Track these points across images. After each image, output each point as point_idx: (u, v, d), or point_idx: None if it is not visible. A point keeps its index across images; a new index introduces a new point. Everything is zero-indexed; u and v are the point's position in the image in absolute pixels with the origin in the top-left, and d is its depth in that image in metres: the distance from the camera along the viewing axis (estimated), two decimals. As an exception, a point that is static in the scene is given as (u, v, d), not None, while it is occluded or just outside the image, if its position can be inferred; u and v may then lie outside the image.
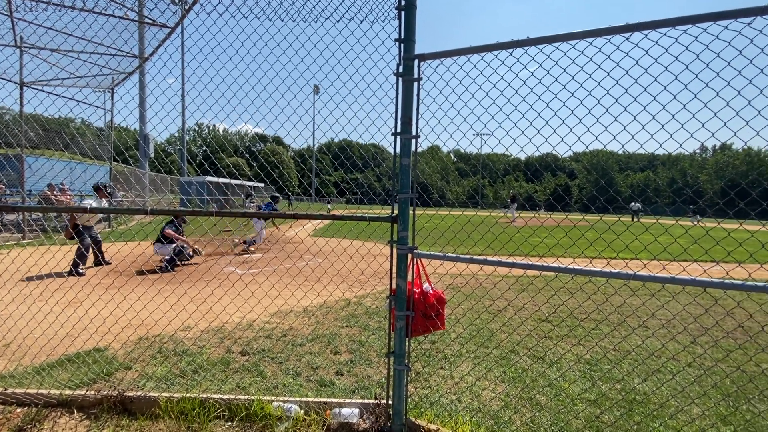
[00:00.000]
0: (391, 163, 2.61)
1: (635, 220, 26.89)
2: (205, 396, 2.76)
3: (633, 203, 32.26)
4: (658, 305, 5.22)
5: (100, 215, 7.38)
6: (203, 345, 3.89)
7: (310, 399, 2.79)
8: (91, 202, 7.00)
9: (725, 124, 1.90)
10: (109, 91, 10.43)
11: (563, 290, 6.03)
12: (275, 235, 13.45)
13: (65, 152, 16.34)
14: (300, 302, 5.05)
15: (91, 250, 7.02)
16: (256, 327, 4.43)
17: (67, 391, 2.80)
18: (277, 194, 11.41)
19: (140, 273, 6.92)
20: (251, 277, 6.70)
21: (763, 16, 1.83)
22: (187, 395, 2.75)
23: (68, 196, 12.25)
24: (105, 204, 7.13)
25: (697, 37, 1.89)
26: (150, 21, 5.92)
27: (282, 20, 2.80)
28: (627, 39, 2.01)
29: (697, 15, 1.86)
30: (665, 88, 1.97)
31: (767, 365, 3.65)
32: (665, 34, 1.95)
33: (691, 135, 1.96)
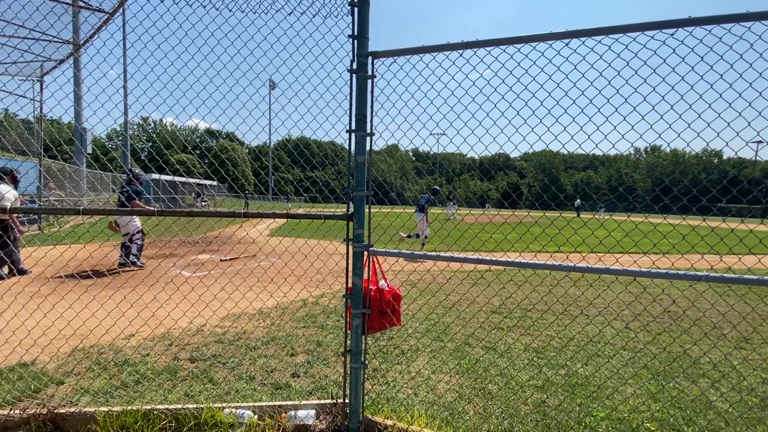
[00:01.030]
0: (347, 161, 2.59)
1: (578, 215, 28.95)
2: (149, 408, 2.58)
3: (576, 200, 34.50)
4: (595, 294, 5.63)
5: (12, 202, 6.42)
6: (146, 353, 3.65)
7: (264, 403, 2.71)
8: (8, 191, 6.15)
9: (651, 126, 2.08)
10: (36, 80, 9.43)
11: (511, 283, 6.33)
12: (224, 235, 12.92)
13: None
14: (252, 304, 4.88)
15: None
16: (205, 332, 4.23)
17: (-15, 413, 2.51)
18: (437, 187, 10.96)
19: (71, 278, 6.35)
20: (198, 279, 6.38)
21: (684, 28, 2.03)
22: (129, 408, 2.57)
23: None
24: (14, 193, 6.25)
25: (627, 46, 2.05)
26: (84, 4, 5.43)
27: (230, 10, 2.68)
28: (566, 45, 2.13)
29: (626, 25, 2.01)
30: (600, 92, 2.11)
31: (689, 346, 4.05)
32: (600, 42, 2.09)
33: (623, 136, 2.12)
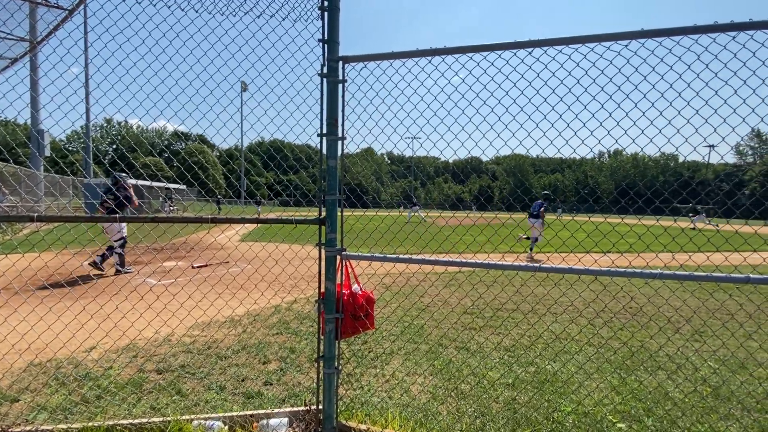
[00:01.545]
0: (319, 165, 2.58)
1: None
2: (111, 423, 2.47)
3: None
4: (560, 293, 5.85)
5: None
6: (109, 366, 3.48)
7: (234, 413, 2.64)
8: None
9: (609, 132, 2.20)
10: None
11: (481, 283, 6.47)
12: (191, 241, 12.52)
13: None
14: (222, 312, 4.75)
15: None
16: (173, 342, 4.07)
17: (-76, 438, 2.32)
18: (547, 192, 10.67)
19: (25, 289, 5.97)
20: (164, 288, 6.15)
21: (638, 40, 2.16)
22: (90, 424, 2.44)
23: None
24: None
25: (585, 56, 2.16)
26: (41, 0, 5.14)
27: (196, 11, 2.62)
28: (530, 53, 2.22)
29: (584, 36, 2.12)
30: (561, 99, 2.21)
31: (647, 340, 4.27)
32: (561, 51, 2.19)
33: (582, 141, 2.23)
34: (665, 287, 6.42)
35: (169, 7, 2.65)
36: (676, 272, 2.11)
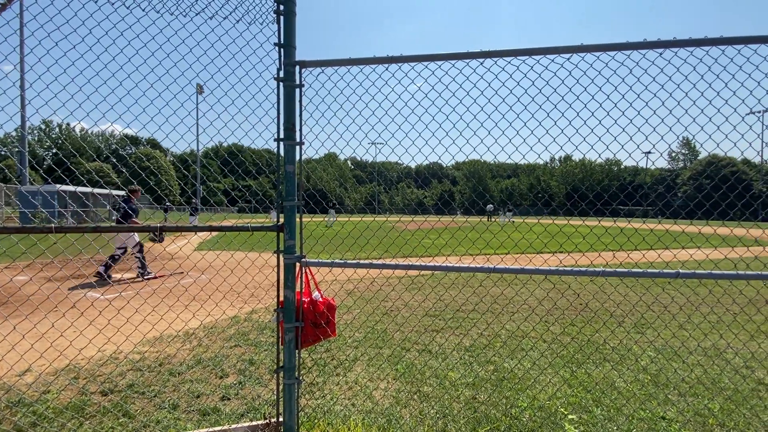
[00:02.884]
0: (277, 171, 2.53)
1: (491, 220, 31.16)
2: (45, 453, 2.25)
3: (489, 205, 36.48)
4: (514, 292, 6.11)
5: None
6: (45, 390, 3.18)
7: (188, 432, 2.51)
8: None
9: (554, 139, 2.34)
10: None
11: (440, 286, 6.62)
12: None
13: None
14: (172, 326, 4.50)
15: None
16: (119, 360, 3.80)
17: None
18: None
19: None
20: (107, 302, 5.74)
21: (578, 54, 2.32)
22: (19, 456, 2.22)
23: None
24: None
25: (532, 67, 2.29)
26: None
27: (142, 9, 2.49)
28: (481, 63, 2.32)
29: (533, 48, 2.25)
30: (511, 108, 2.33)
31: (593, 334, 4.55)
32: (510, 62, 2.31)
33: (531, 148, 2.36)
34: (608, 284, 6.88)
35: (112, 4, 2.50)
36: (617, 269, 2.27)
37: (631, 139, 2.44)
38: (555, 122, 2.33)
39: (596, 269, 2.23)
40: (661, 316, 4.98)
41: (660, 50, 2.26)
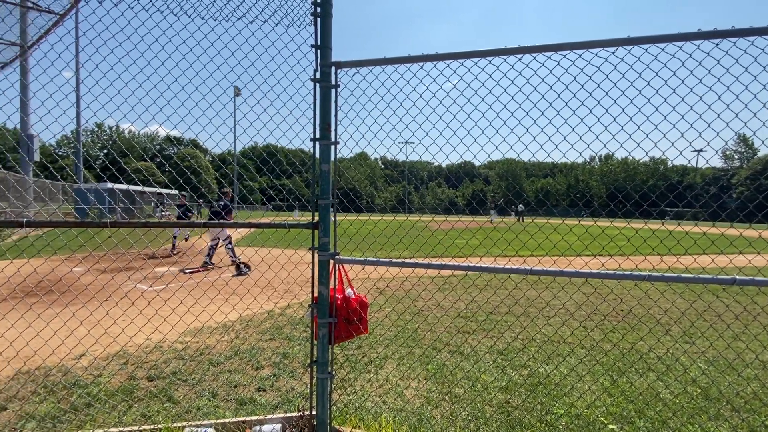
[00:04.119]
0: (312, 170, 2.58)
1: (520, 220, 29.99)
2: (101, 431, 2.43)
3: (519, 205, 34.64)
4: (551, 295, 5.90)
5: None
6: (99, 374, 3.43)
7: (227, 420, 2.62)
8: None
9: (597, 137, 2.24)
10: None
11: (473, 287, 6.50)
12: (183, 246, 12.41)
13: None
14: (214, 318, 4.71)
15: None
16: (164, 348, 4.03)
17: None
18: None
19: (14, 296, 5.87)
20: (155, 293, 6.08)
21: (624, 47, 2.21)
22: (78, 433, 2.40)
23: None
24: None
25: (574, 62, 2.20)
26: (32, 5, 5.10)
27: (188, 16, 2.62)
28: (519, 60, 2.26)
29: (574, 42, 2.17)
30: (551, 104, 2.25)
31: (637, 342, 4.32)
32: (550, 57, 2.23)
33: (572, 146, 2.27)
34: (654, 289, 6.50)
35: (162, 11, 2.65)
36: (665, 274, 2.14)
37: (682, 135, 2.29)
38: (598, 119, 2.23)
39: (642, 273, 2.11)
40: (714, 326, 4.64)
41: (716, 41, 2.10)
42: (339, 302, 2.55)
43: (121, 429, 2.46)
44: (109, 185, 22.36)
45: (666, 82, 2.19)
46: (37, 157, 15.72)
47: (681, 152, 2.46)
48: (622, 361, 3.82)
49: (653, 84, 2.19)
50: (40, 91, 2.61)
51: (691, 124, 2.22)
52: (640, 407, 2.99)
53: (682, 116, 2.25)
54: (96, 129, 67.85)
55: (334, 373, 2.55)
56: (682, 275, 2.13)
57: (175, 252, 11.18)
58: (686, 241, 2.58)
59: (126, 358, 3.76)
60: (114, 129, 66.54)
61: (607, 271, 2.18)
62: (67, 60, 2.91)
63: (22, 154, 14.55)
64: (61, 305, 5.18)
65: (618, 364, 3.75)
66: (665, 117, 2.27)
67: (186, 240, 12.67)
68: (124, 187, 22.31)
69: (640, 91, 2.22)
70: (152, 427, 2.49)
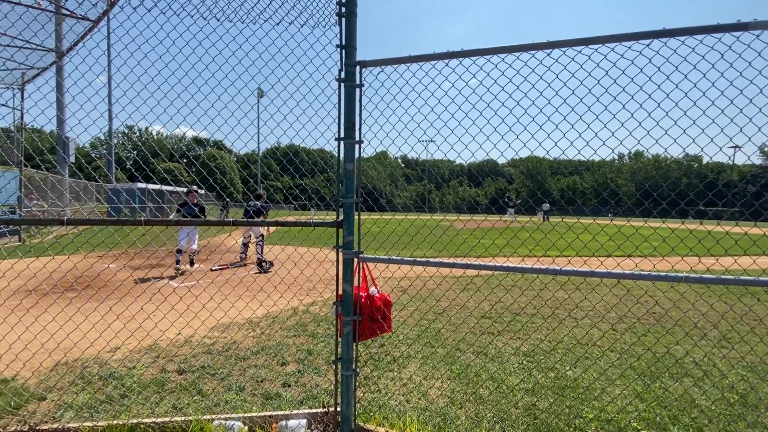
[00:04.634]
0: (336, 169, 2.61)
1: (545, 219, 29.08)
2: (135, 421, 2.54)
3: (543, 204, 33.43)
4: (581, 297, 5.73)
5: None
6: (133, 366, 3.58)
7: (254, 414, 2.68)
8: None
9: (630, 133, 2.16)
10: (17, 88, 9.24)
11: (500, 287, 6.39)
12: (213, 244, 12.76)
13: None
14: (242, 314, 4.83)
15: None
16: (194, 343, 4.16)
17: (-37, 431, 2.43)
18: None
19: (55, 290, 6.20)
20: (186, 290, 6.29)
21: (659, 39, 2.11)
22: (114, 422, 2.52)
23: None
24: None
25: (606, 56, 2.13)
26: (67, 12, 5.37)
27: (217, 19, 2.69)
28: (548, 54, 2.20)
29: (604, 36, 2.09)
30: (581, 100, 2.18)
31: (672, 346, 4.14)
32: (580, 52, 2.16)
33: (603, 143, 2.19)
34: (691, 291, 6.21)
35: (192, 16, 2.73)
36: (703, 276, 2.04)
37: (722, 130, 2.18)
38: (632, 114, 2.14)
39: (679, 275, 2.02)
40: (755, 330, 4.40)
41: (757, 32, 1.98)
42: (363, 300, 2.56)
43: (154, 420, 2.56)
44: (140, 185, 23.29)
45: (705, 75, 2.09)
46: (73, 158, 16.54)
47: (721, 148, 2.34)
48: (655, 366, 3.67)
49: (691, 77, 2.08)
50: (77, 95, 2.74)
51: (732, 119, 2.11)
52: (674, 413, 2.86)
53: (722, 110, 2.14)
54: (127, 131, 70.75)
55: (358, 370, 2.57)
56: (722, 277, 2.02)
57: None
58: (726, 241, 2.45)
59: (158, 352, 3.91)
60: (144, 130, 69.17)
61: (641, 272, 2.10)
62: (104, 65, 3.04)
63: (61, 155, 15.34)
64: (98, 300, 5.44)
65: (651, 369, 3.61)
66: (704, 111, 2.17)
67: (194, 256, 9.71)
68: (156, 187, 23.21)
69: (677, 85, 2.13)
70: (183, 418, 2.58)
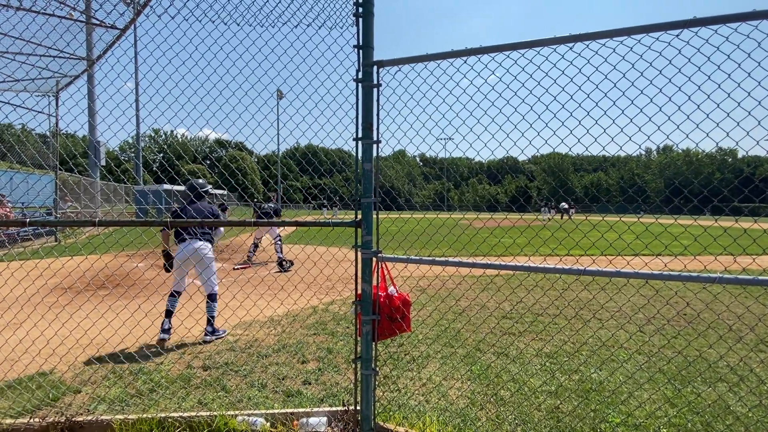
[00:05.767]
0: (355, 169, 2.62)
1: (563, 217, 28.14)
2: (163, 415, 2.62)
3: (562, 203, 32.08)
4: (607, 297, 5.55)
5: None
6: (161, 362, 3.70)
7: (276, 411, 2.73)
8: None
9: (659, 128, 2.08)
10: (52, 96, 9.70)
11: (521, 287, 6.27)
12: (235, 244, 13.04)
13: (2, 161, 15.04)
14: (263, 312, 4.93)
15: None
16: (217, 340, 4.27)
17: (8, 420, 2.57)
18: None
19: (88, 288, 6.48)
20: (213, 288, 6.44)
21: (690, 29, 2.02)
22: (144, 416, 2.61)
23: (7, 209, 11.26)
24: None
25: (632, 48, 2.05)
26: (97, 22, 5.60)
27: (238, 24, 2.75)
28: (570, 48, 2.14)
29: (630, 27, 2.02)
30: (605, 94, 2.12)
31: (705, 349, 3.96)
32: (604, 45, 2.09)
33: (630, 138, 2.11)
34: (726, 292, 5.93)
35: (213, 21, 2.80)
36: (739, 276, 1.94)
37: (759, 123, 2.06)
38: (660, 108, 2.06)
39: (712, 275, 1.93)
40: (796, 334, 4.16)
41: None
42: (382, 300, 2.56)
43: (180, 414, 2.64)
44: (166, 186, 24.04)
45: (740, 65, 1.98)
46: (103, 161, 17.24)
47: (758, 142, 2.22)
48: (687, 370, 3.52)
49: (724, 68, 1.98)
50: (107, 102, 2.85)
51: (770, 110, 1.99)
52: (707, 420, 2.74)
53: (759, 102, 2.03)
54: (153, 134, 73.19)
55: (377, 369, 2.58)
56: (759, 278, 1.92)
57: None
58: (764, 240, 2.33)
59: (184, 348, 4.03)
60: (169, 134, 71.41)
61: (671, 272, 2.01)
62: (131, 71, 3.15)
63: (92, 158, 16.02)
64: (128, 298, 5.65)
65: (682, 372, 3.47)
66: (738, 104, 2.06)
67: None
68: (181, 188, 23.94)
69: (709, 77, 2.03)
70: (208, 414, 2.65)
